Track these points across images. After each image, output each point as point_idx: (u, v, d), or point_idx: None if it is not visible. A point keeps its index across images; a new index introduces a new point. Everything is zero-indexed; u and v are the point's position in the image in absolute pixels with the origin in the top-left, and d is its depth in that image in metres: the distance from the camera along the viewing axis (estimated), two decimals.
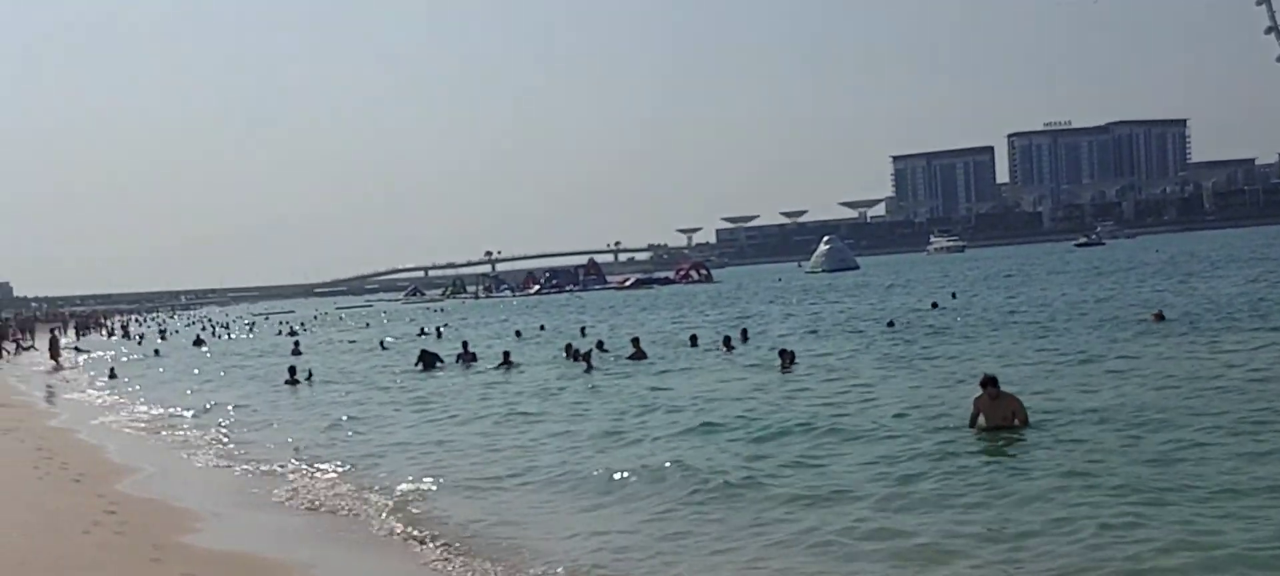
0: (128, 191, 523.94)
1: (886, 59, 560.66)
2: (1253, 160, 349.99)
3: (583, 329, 48.52)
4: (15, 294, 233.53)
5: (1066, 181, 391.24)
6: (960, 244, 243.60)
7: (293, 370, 33.64)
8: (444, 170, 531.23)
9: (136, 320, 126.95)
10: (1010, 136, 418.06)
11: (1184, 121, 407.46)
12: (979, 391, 17.17)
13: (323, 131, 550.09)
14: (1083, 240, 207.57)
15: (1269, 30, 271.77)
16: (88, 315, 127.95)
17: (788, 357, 28.33)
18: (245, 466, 18.93)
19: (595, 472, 16.00)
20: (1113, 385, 21.08)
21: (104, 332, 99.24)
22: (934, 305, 50.50)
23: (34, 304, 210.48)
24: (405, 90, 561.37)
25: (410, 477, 16.60)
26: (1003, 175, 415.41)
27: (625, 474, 15.53)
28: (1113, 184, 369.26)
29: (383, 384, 32.01)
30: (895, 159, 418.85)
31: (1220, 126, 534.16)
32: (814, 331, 42.27)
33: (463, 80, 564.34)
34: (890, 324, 41.36)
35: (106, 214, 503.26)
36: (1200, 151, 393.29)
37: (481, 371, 33.33)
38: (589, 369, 30.84)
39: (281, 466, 18.52)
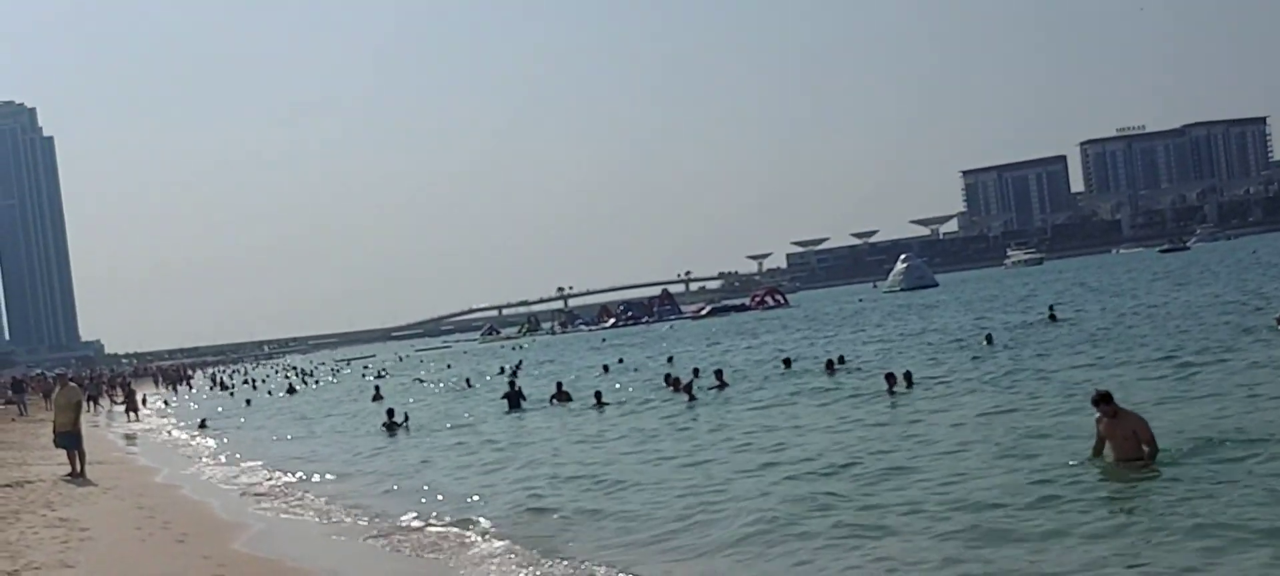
0: (209, 246, 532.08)
1: (952, 72, 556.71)
2: None
3: (670, 358, 47.84)
4: (107, 351, 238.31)
5: (1144, 187, 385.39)
6: (1038, 256, 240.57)
7: (391, 413, 33.23)
8: (513, 208, 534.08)
9: (225, 372, 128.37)
10: (1083, 144, 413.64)
11: (1264, 119, 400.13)
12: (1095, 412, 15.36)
13: (395, 175, 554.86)
14: (1167, 246, 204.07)
15: None
16: (173, 368, 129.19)
17: (907, 380, 27.53)
18: (356, 518, 18.52)
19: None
20: (1246, 401, 19.51)
21: (189, 386, 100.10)
22: (1053, 317, 48.21)
23: (124, 360, 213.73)
24: (469, 129, 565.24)
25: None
26: (1078, 184, 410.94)
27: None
28: (1193, 187, 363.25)
29: (489, 434, 31.84)
30: (965, 173, 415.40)
31: None
32: (932, 357, 41.32)
33: (527, 116, 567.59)
34: (988, 339, 40.05)
35: (189, 269, 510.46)
36: None
37: (574, 412, 32.54)
38: (692, 400, 30.34)
39: (418, 520, 17.56)
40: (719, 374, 34.84)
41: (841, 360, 36.86)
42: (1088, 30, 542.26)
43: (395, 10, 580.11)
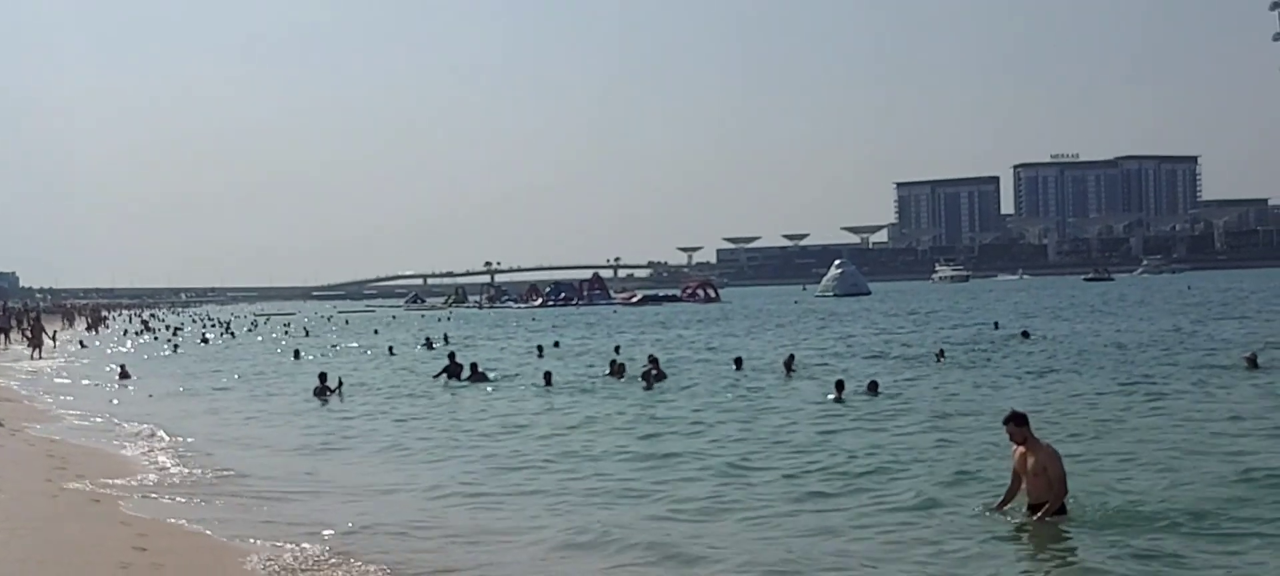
0: (131, 186, 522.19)
1: (892, 84, 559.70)
2: (1265, 200, 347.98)
3: (618, 347, 46.11)
4: (21, 284, 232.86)
5: (1072, 214, 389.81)
6: (965, 273, 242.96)
7: (323, 377, 31.31)
8: (442, 178, 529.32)
9: (146, 315, 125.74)
10: (1016, 167, 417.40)
11: (1195, 159, 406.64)
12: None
13: (323, 137, 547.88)
14: (1092, 275, 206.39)
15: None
16: (91, 307, 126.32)
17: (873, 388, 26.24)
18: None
19: None
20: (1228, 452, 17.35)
21: (105, 327, 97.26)
22: (1025, 334, 46.76)
23: (39, 294, 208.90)
24: (407, 97, 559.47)
25: None
26: (1008, 206, 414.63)
27: None
28: (1121, 219, 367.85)
29: (428, 394, 30.13)
30: (899, 185, 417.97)
31: (1232, 165, 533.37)
32: (877, 356, 40.16)
33: (463, 87, 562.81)
34: (939, 356, 38.93)
35: (109, 208, 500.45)
36: (1211, 189, 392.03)
37: (513, 388, 31.00)
38: (649, 387, 28.83)
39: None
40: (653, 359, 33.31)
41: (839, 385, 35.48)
42: (1027, 55, 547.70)
43: None
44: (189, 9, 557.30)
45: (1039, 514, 12.45)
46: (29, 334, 55.83)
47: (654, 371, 30.68)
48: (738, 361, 36.15)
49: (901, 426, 21.05)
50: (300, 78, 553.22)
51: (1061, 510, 12.57)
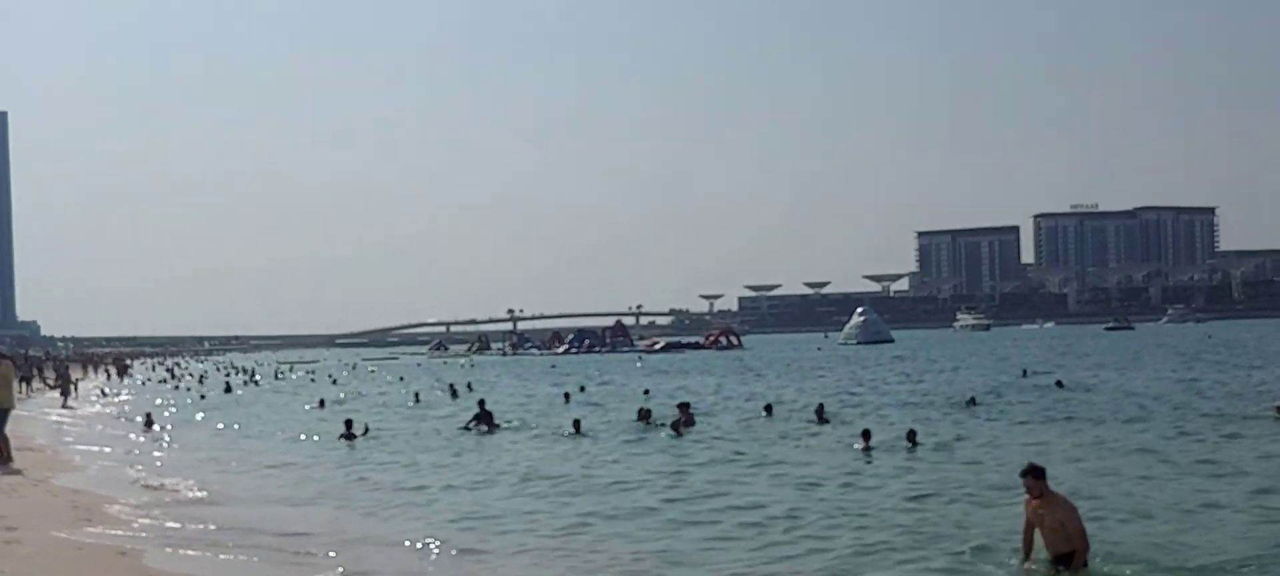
0: (151, 234, 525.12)
1: (913, 133, 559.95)
2: None
3: (646, 391, 45.68)
4: (43, 333, 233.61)
5: (1092, 264, 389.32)
6: (987, 322, 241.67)
7: (348, 423, 31.01)
8: (465, 225, 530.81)
9: (170, 363, 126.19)
10: (1036, 217, 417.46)
11: (1212, 210, 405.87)
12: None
13: (346, 182, 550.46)
14: (1112, 324, 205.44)
15: None
16: (114, 355, 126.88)
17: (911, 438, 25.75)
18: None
19: None
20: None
21: (130, 375, 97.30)
22: (1059, 384, 46.13)
23: (60, 343, 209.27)
24: (428, 145, 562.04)
25: None
26: (1028, 255, 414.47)
27: None
28: (1139, 269, 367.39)
29: (455, 441, 29.73)
30: (920, 234, 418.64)
31: (1249, 216, 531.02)
32: (909, 404, 39.58)
33: (484, 136, 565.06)
34: (971, 401, 38.43)
35: (131, 257, 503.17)
36: (1228, 240, 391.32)
37: (544, 438, 30.40)
38: (678, 436, 28.38)
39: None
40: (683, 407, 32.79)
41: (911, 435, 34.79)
42: (1047, 106, 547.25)
43: (356, 17, 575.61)
44: (220, 62, 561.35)
45: (1070, 567, 12.33)
46: (57, 382, 55.69)
47: (683, 419, 30.24)
48: (768, 408, 35.75)
49: (945, 480, 20.51)
50: (319, 128, 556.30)
51: (1083, 562, 12.53)
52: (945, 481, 20.07)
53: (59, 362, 69.09)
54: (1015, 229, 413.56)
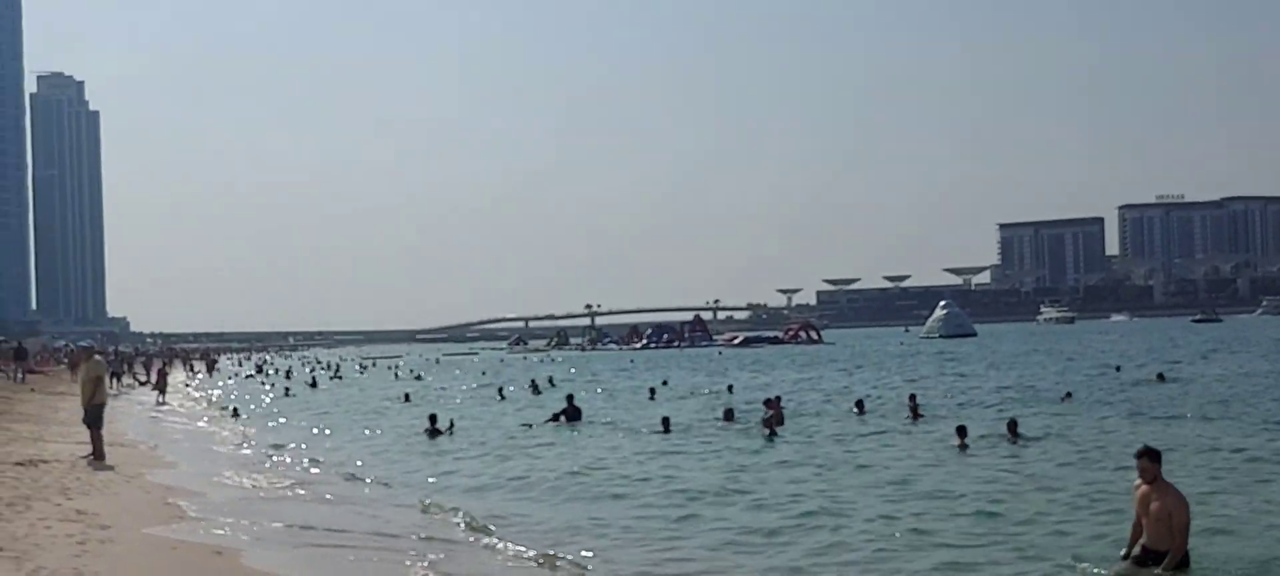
0: (236, 230, 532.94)
1: (994, 124, 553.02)
2: None
3: (730, 387, 45.09)
4: (132, 329, 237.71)
5: (1178, 255, 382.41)
6: (1071, 315, 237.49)
7: (433, 419, 30.87)
8: (546, 222, 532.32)
9: (258, 358, 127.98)
10: (1121, 208, 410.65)
11: None
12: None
13: (430, 182, 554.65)
14: (1200, 316, 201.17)
15: None
16: (201, 352, 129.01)
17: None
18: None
19: None
20: None
21: (217, 370, 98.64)
22: (1160, 377, 45.03)
23: (149, 339, 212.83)
24: (505, 144, 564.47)
25: None
26: (1113, 247, 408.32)
27: None
28: (1227, 260, 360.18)
29: (545, 437, 29.30)
30: (1002, 226, 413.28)
31: None
32: (1004, 401, 38.49)
33: (564, 132, 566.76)
34: (1066, 397, 37.46)
35: (217, 254, 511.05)
36: None
37: (634, 435, 29.67)
38: (771, 435, 27.68)
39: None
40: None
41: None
42: (1132, 95, 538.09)
43: (437, 22, 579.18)
44: (312, 67, 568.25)
45: (1162, 565, 11.63)
46: (154, 379, 56.44)
47: (774, 415, 29.62)
48: (859, 404, 35.06)
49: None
50: (411, 123, 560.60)
51: (1185, 562, 11.74)
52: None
53: (151, 359, 69.97)
54: (1099, 220, 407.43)
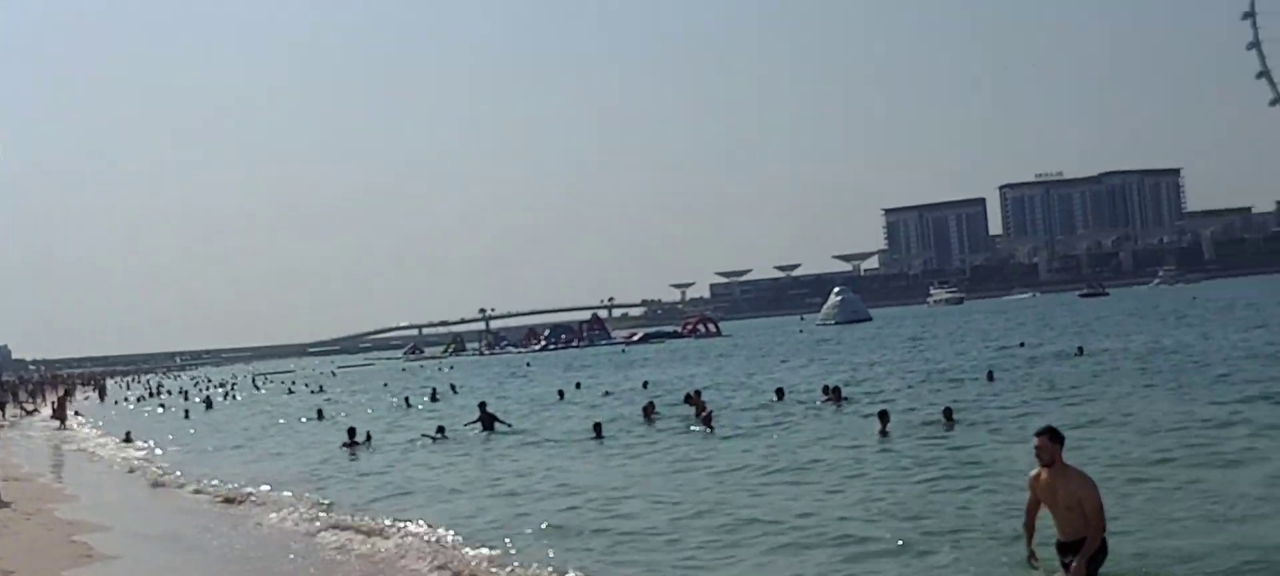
0: (117, 252, 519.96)
1: (875, 109, 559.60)
2: (1249, 209, 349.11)
3: (645, 383, 44.41)
4: (14, 357, 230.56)
5: (1060, 232, 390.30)
6: (959, 296, 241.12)
7: (352, 432, 29.65)
8: (433, 227, 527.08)
9: (151, 381, 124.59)
10: (1002, 188, 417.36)
11: (1177, 171, 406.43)
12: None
13: (312, 188, 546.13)
14: (1086, 290, 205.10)
15: (1260, 76, 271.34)
16: (93, 377, 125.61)
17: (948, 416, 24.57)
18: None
19: None
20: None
21: (104, 395, 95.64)
22: (1080, 351, 45.55)
23: (32, 366, 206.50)
24: (395, 145, 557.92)
25: None
26: (996, 227, 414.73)
27: None
28: (1108, 234, 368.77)
29: (464, 444, 28.18)
30: (887, 211, 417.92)
31: (1214, 176, 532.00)
32: (921, 382, 38.40)
33: (450, 134, 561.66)
34: (990, 377, 37.45)
35: (96, 275, 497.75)
36: (1195, 201, 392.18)
37: (564, 445, 27.71)
38: (711, 430, 26.89)
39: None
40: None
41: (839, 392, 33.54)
42: (1007, 76, 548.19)
43: (309, 14, 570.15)
44: (177, 71, 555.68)
45: (1075, 562, 10.09)
46: (51, 408, 54.60)
47: (705, 411, 28.85)
48: (779, 392, 34.61)
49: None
50: (283, 131, 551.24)
51: (1102, 550, 10.24)
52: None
53: (37, 386, 67.45)
54: (981, 201, 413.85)
